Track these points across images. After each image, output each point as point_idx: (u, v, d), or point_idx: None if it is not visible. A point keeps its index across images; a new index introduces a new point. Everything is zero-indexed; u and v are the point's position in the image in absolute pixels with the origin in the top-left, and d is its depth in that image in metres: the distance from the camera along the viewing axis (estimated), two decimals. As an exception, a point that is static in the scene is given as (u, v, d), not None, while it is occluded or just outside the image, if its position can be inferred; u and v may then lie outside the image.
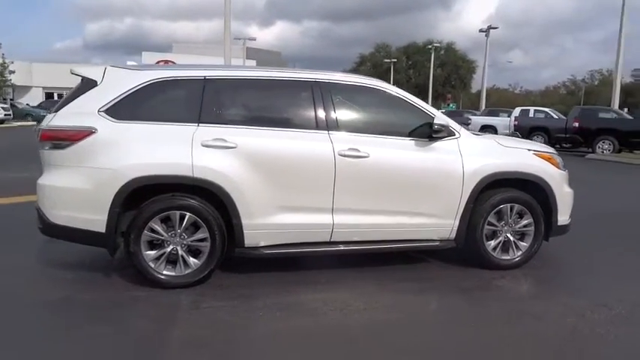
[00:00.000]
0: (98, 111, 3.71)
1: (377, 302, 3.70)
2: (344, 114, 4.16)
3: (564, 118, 20.71)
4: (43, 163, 3.79)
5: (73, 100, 3.77)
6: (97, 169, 3.64)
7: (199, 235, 3.81)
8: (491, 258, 4.41)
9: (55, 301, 3.59)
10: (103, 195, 3.63)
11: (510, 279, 4.27)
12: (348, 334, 3.20)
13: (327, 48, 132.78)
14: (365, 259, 4.45)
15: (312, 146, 3.95)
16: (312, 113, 4.04)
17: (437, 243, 4.31)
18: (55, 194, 3.71)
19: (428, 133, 4.17)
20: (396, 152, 4.13)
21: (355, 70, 75.94)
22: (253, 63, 49.41)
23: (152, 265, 3.76)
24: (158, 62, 13.31)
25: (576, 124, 18.37)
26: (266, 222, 3.88)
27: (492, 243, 4.40)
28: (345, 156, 3.96)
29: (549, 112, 22.94)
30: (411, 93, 4.45)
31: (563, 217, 4.57)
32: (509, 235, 4.44)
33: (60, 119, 3.72)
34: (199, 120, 3.82)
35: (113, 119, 3.70)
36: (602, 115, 19.51)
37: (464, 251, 4.44)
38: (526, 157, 4.49)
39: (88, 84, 3.82)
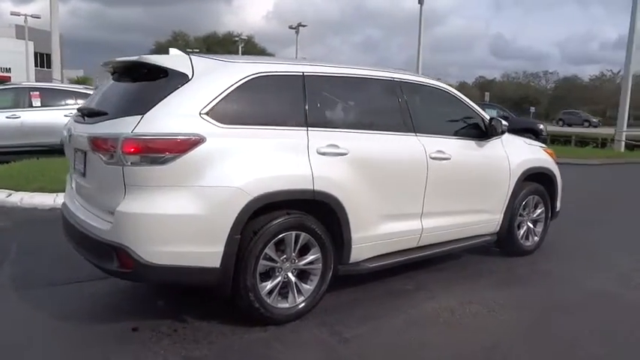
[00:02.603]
0: (200, 113, 2.89)
1: (493, 301, 3.75)
2: (423, 115, 4.05)
3: None
4: (121, 183, 2.79)
5: (160, 99, 2.85)
6: (210, 187, 2.84)
7: (311, 257, 3.30)
8: (521, 245, 4.85)
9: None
10: (219, 220, 2.86)
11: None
12: (496, 336, 3.21)
13: (102, 31, 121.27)
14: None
15: (409, 150, 3.77)
16: (401, 114, 3.83)
17: (488, 237, 4.54)
18: (153, 225, 2.78)
19: (486, 132, 4.35)
20: (466, 152, 4.21)
21: (151, 59, 71.32)
22: (31, 45, 42.43)
23: (267, 300, 3.13)
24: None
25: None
26: (370, 234, 3.57)
27: (521, 232, 4.84)
28: (434, 159, 3.87)
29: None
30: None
31: (559, 204, 5.26)
32: (529, 223, 4.93)
33: (153, 125, 2.78)
34: (307, 123, 3.28)
35: (219, 124, 2.92)
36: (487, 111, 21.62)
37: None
38: (541, 152, 5.03)
39: (174, 78, 2.93)
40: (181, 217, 2.80)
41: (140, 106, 2.85)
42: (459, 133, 4.25)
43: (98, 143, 2.85)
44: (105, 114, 3.02)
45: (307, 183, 3.15)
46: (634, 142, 19.50)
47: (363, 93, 3.77)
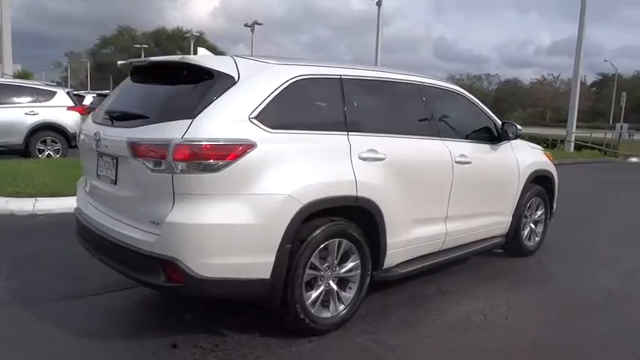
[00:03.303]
0: (249, 118, 2.76)
1: (517, 303, 3.81)
2: (446, 120, 4.06)
3: None
4: (169, 192, 2.61)
5: (208, 102, 2.69)
6: (262, 195, 2.71)
7: (351, 264, 3.24)
8: (525, 246, 4.98)
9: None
10: (271, 229, 2.74)
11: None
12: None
13: (40, 24, 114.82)
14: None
15: (438, 154, 3.78)
16: (428, 119, 3.83)
17: (499, 240, 4.63)
18: (206, 237, 2.62)
19: (498, 136, 4.43)
20: (483, 156, 4.26)
21: (96, 54, 68.50)
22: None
23: (312, 310, 3.03)
24: None
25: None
26: (403, 239, 3.54)
27: (525, 233, 4.97)
28: (458, 163, 3.90)
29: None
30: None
31: (555, 205, 5.44)
32: (531, 224, 5.07)
33: (204, 129, 2.61)
34: (347, 127, 3.21)
35: (268, 128, 2.80)
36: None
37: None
38: (543, 155, 5.18)
39: (221, 80, 2.78)
40: (234, 227, 2.66)
41: (186, 109, 2.68)
42: (476, 137, 4.30)
43: (143, 149, 2.65)
44: (144, 117, 2.82)
45: (351, 189, 3.09)
46: (581, 143, 20.59)
47: (395, 96, 3.73)
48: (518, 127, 4.46)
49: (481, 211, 4.31)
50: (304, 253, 2.91)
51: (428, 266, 3.87)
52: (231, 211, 2.65)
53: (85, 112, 10.66)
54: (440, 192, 3.81)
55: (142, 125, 2.77)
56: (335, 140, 3.12)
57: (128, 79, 3.44)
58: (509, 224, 4.69)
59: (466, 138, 4.18)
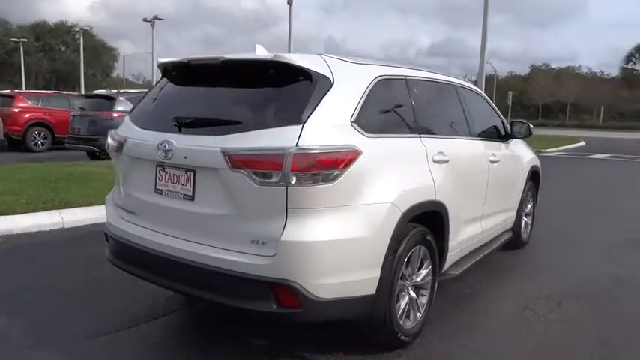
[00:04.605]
0: (351, 122, 2.55)
1: (551, 294, 3.97)
2: (475, 120, 4.10)
3: None
4: (280, 207, 2.32)
5: (312, 106, 2.43)
6: (369, 205, 2.53)
7: (424, 271, 3.15)
8: (521, 238, 5.22)
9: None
10: (378, 241, 2.57)
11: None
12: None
13: None
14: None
15: (481, 154, 3.82)
16: (466, 120, 3.85)
17: (509, 235, 4.80)
18: (324, 254, 2.37)
19: (506, 134, 4.58)
20: (503, 154, 4.38)
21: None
22: None
23: (401, 322, 2.90)
24: None
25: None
26: (458, 240, 3.53)
27: (522, 225, 5.22)
28: (491, 162, 3.98)
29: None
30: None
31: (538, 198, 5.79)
32: (525, 218, 5.34)
33: (317, 136, 2.36)
34: (419, 130, 3.11)
35: (365, 133, 2.61)
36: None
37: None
38: (533, 151, 5.45)
39: (319, 82, 2.52)
40: (348, 241, 2.44)
41: (290, 114, 2.41)
42: (495, 136, 4.42)
43: (249, 160, 2.33)
44: (234, 123, 2.48)
45: (432, 194, 3.00)
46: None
47: (445, 97, 3.70)
48: (531, 126, 4.66)
49: (502, 208, 4.44)
50: (399, 263, 2.77)
51: (470, 266, 3.89)
52: (345, 224, 2.44)
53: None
54: (481, 192, 3.86)
55: (236, 132, 2.42)
56: (413, 144, 3.01)
57: (172, 78, 3.02)
58: (515, 219, 4.89)
59: (489, 137, 4.27)
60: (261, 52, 2.95)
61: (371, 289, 2.58)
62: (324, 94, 2.50)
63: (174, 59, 2.93)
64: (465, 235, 3.66)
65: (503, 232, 4.70)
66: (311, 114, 2.41)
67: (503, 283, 4.24)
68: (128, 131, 2.91)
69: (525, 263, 4.85)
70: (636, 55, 61.15)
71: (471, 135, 3.86)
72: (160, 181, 2.71)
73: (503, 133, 4.60)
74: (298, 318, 2.41)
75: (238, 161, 2.35)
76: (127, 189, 2.96)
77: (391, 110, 3.02)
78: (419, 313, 3.11)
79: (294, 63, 2.52)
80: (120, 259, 2.98)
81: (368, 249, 2.54)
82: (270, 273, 2.33)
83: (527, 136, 4.72)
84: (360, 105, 2.65)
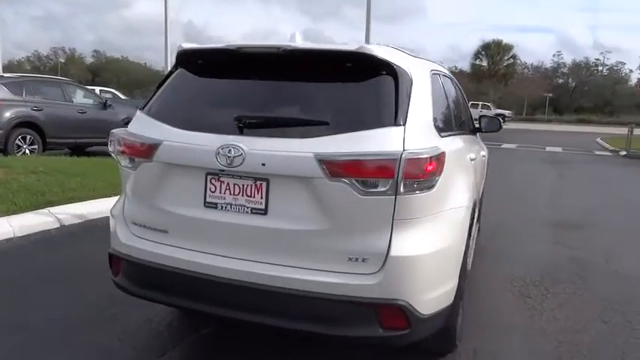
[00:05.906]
0: (433, 123, 2.37)
1: (543, 280, 4.18)
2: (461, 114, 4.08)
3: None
4: (385, 219, 2.06)
5: (406, 105, 2.18)
6: (454, 209, 2.40)
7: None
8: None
9: None
10: (461, 245, 2.46)
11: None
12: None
13: None
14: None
15: (477, 150, 3.86)
16: (468, 114, 3.87)
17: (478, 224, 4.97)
18: (429, 268, 2.15)
19: (477, 127, 4.69)
20: (475, 148, 4.38)
21: None
22: None
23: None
24: None
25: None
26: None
27: (476, 215, 5.46)
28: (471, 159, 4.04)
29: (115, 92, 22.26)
30: None
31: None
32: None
33: (418, 139, 2.13)
34: (455, 128, 3.04)
35: (439, 133, 2.45)
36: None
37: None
38: None
39: (403, 77, 2.27)
40: (444, 250, 2.28)
41: (384, 114, 2.15)
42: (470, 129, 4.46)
43: (354, 166, 2.02)
44: (320, 124, 2.14)
45: (477, 192, 2.96)
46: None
47: (455, 92, 3.65)
48: (507, 115, 4.85)
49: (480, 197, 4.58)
50: (465, 267, 2.68)
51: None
52: (440, 232, 2.27)
53: None
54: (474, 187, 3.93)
55: (326, 135, 2.09)
56: (458, 142, 2.93)
57: (204, 69, 2.53)
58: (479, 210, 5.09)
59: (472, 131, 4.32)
60: (299, 41, 2.61)
61: (451, 299, 2.45)
62: (410, 92, 2.28)
63: (214, 45, 2.44)
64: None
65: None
66: (408, 114, 2.18)
67: (490, 277, 4.35)
68: (159, 132, 2.35)
69: (485, 249, 5.05)
70: (483, 52, 68.00)
71: (468, 129, 3.88)
72: (213, 192, 2.26)
73: (474, 125, 4.71)
74: (404, 339, 2.18)
75: (339, 168, 2.04)
76: (154, 202, 2.40)
77: (445, 108, 2.90)
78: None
79: (382, 56, 2.24)
80: (141, 285, 2.45)
81: (454, 256, 2.41)
82: (376, 293, 2.07)
83: (498, 129, 4.90)
84: (430, 102, 2.48)
